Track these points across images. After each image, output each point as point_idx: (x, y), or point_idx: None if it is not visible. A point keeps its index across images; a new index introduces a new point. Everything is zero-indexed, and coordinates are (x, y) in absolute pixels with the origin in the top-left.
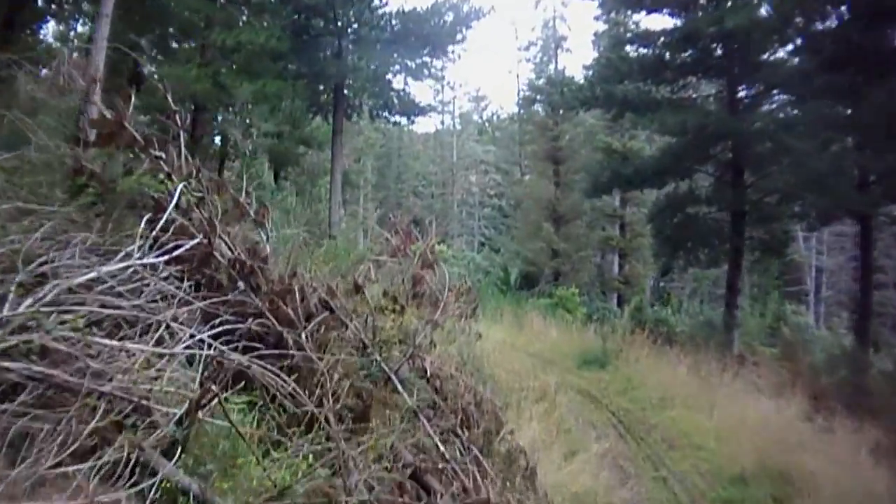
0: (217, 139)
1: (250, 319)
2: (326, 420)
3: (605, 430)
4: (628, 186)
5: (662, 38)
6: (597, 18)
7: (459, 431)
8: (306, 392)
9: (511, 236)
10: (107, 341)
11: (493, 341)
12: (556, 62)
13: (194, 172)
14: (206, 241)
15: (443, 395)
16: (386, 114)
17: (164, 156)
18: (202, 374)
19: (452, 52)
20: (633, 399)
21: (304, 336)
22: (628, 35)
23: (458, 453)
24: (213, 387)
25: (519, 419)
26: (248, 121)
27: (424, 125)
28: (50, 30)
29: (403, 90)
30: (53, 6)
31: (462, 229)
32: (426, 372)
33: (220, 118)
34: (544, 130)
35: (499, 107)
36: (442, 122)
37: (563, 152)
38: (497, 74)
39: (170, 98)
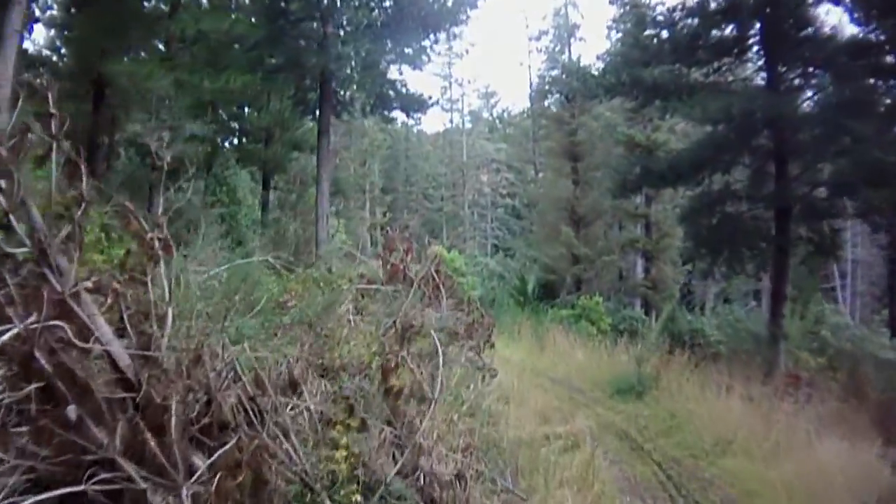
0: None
1: (89, 472)
2: None
3: (651, 490)
4: (661, 184)
5: (698, 14)
6: (612, 2)
7: None
8: None
9: (526, 240)
10: None
11: (511, 366)
12: (570, 52)
13: (80, 201)
14: (24, 329)
15: None
16: (382, 110)
17: None
18: None
19: (455, 36)
20: (681, 443)
21: (185, 495)
22: (655, 14)
23: None
24: None
25: (548, 492)
26: (165, 120)
27: (432, 124)
28: (40, 36)
29: (400, 81)
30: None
31: (474, 232)
32: (419, 476)
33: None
34: (560, 124)
35: (510, 102)
36: (451, 121)
37: (581, 147)
38: (507, 69)
39: (51, 98)
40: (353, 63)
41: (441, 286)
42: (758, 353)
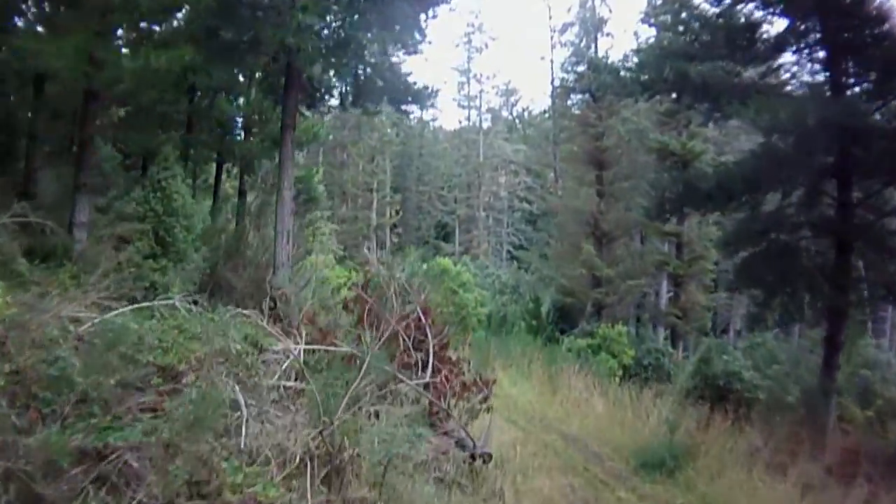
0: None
1: None
2: None
3: None
4: (709, 205)
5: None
6: None
7: None
8: None
9: (542, 253)
10: None
11: (518, 412)
12: (597, 47)
13: None
14: None
15: None
16: (365, 101)
17: None
18: None
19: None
20: None
21: None
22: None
23: None
24: None
25: None
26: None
27: (449, 121)
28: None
29: (388, 67)
30: None
31: (488, 236)
32: None
33: None
34: (585, 127)
35: (530, 100)
36: (468, 118)
37: (607, 154)
38: (528, 64)
39: None
40: (319, 38)
41: (428, 329)
42: (803, 405)
